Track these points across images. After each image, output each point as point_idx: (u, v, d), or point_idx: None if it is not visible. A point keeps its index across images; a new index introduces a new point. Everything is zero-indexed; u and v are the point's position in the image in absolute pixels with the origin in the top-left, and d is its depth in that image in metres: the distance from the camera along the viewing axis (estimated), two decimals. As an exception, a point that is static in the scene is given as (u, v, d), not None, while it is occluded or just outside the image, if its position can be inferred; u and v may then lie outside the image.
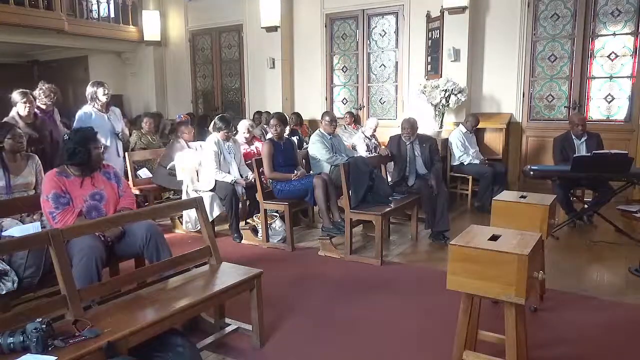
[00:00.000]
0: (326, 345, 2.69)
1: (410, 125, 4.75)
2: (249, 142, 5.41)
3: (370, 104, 7.99)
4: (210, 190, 4.60)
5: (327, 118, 4.99)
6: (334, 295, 3.38)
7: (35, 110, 4.36)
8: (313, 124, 7.81)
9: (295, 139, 5.63)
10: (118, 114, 4.93)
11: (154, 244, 2.74)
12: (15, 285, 2.48)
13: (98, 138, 2.96)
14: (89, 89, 4.63)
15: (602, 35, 6.16)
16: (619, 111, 6.19)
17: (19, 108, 4.16)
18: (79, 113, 4.62)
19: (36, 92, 4.45)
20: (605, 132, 5.48)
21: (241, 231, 4.69)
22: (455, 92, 6.18)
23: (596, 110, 6.33)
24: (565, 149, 4.98)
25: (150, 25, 9.46)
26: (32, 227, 2.79)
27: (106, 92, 4.63)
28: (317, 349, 2.65)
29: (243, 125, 5.39)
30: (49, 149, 4.36)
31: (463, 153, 5.97)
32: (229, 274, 2.66)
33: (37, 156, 3.61)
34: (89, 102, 4.64)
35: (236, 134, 5.34)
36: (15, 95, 4.21)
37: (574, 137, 5.00)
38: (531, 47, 6.49)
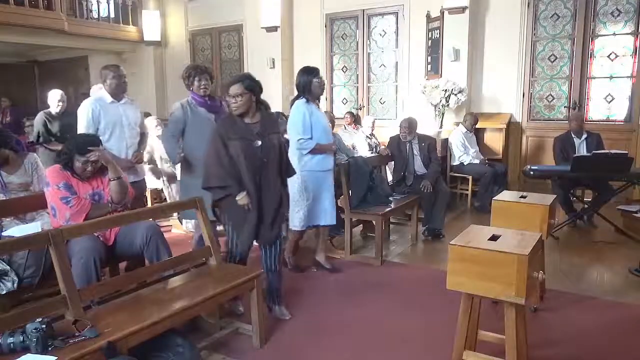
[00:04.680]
0: (326, 345, 2.69)
1: (408, 124, 4.76)
2: None
3: (370, 104, 7.99)
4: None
5: None
6: (334, 295, 3.38)
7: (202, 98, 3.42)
8: (313, 124, 7.80)
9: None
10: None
11: (154, 244, 2.74)
12: (15, 285, 2.47)
13: (88, 151, 2.75)
14: (303, 77, 3.54)
15: (602, 35, 6.16)
16: (619, 111, 6.19)
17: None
18: (297, 110, 3.54)
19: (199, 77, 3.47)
20: (605, 132, 5.48)
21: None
22: (455, 92, 6.19)
23: (596, 110, 6.32)
24: (565, 148, 4.99)
25: (150, 25, 9.46)
26: (32, 227, 2.79)
27: (323, 82, 3.64)
28: (317, 349, 2.65)
29: None
30: None
31: (463, 153, 5.97)
32: (229, 274, 2.66)
33: (35, 154, 3.56)
34: (301, 94, 3.57)
35: None
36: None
37: (574, 136, 5.01)
38: (531, 47, 6.49)
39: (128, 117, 3.67)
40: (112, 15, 9.16)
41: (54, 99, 5.35)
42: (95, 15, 9.00)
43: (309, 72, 3.56)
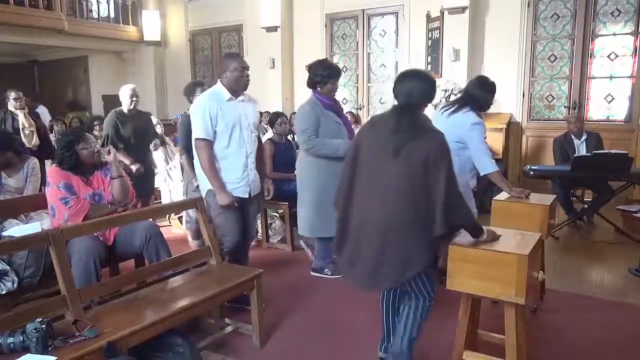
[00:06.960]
0: (326, 346, 2.69)
1: None
2: None
3: (370, 104, 7.99)
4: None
5: None
6: (334, 295, 3.37)
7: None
8: (313, 124, 7.80)
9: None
10: None
11: (153, 244, 2.74)
12: (15, 285, 2.48)
13: (86, 137, 2.82)
14: (481, 91, 3.19)
15: (602, 35, 6.15)
16: (619, 111, 6.19)
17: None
18: (477, 122, 3.11)
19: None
20: (605, 132, 5.47)
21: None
22: (455, 92, 6.18)
23: (596, 110, 6.32)
24: (565, 149, 4.98)
25: (150, 25, 9.47)
26: (32, 227, 2.79)
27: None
28: (317, 349, 2.65)
29: None
30: None
31: (463, 153, 5.96)
32: (229, 274, 2.66)
33: (35, 159, 3.54)
34: (469, 104, 3.19)
35: None
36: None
37: (573, 137, 5.01)
38: (531, 47, 6.49)
39: (247, 117, 3.05)
40: (112, 15, 9.17)
41: (126, 94, 4.46)
42: (95, 15, 9.01)
43: (489, 89, 3.14)
